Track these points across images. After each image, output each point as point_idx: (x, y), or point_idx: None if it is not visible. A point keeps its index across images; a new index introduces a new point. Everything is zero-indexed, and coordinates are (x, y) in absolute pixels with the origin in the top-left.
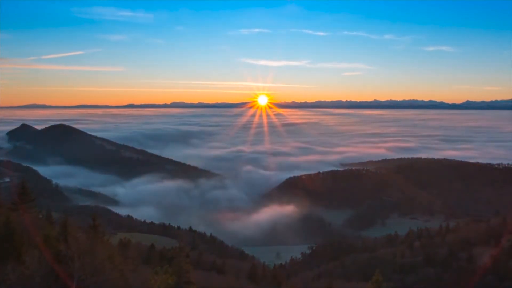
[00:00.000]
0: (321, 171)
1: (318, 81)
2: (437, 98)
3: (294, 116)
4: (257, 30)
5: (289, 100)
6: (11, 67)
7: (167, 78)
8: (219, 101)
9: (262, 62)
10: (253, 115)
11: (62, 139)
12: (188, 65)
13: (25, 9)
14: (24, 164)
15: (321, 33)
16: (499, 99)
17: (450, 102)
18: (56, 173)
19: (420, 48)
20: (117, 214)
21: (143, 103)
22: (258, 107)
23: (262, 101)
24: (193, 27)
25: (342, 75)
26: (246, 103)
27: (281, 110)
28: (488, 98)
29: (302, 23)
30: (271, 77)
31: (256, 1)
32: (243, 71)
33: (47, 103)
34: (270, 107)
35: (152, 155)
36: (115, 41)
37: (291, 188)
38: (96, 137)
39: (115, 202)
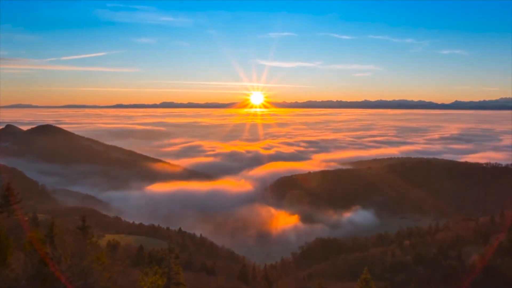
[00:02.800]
0: (311, 171)
1: (323, 81)
2: (427, 98)
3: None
4: (286, 33)
5: (280, 100)
6: (19, 68)
7: (174, 79)
8: (210, 101)
9: (275, 64)
10: (237, 115)
11: (49, 139)
12: (198, 66)
13: (66, 12)
14: (10, 166)
15: (347, 37)
16: (487, 99)
17: (439, 102)
18: (43, 174)
19: (436, 51)
20: (105, 216)
21: (132, 103)
22: (250, 106)
23: (253, 101)
24: (224, 31)
25: (351, 76)
26: (235, 103)
27: (271, 110)
28: (476, 98)
29: (331, 28)
30: (275, 77)
31: (297, 6)
32: (249, 72)
33: (34, 103)
34: (259, 107)
35: (141, 155)
36: (142, 43)
37: (281, 188)
38: (83, 138)
39: (103, 204)
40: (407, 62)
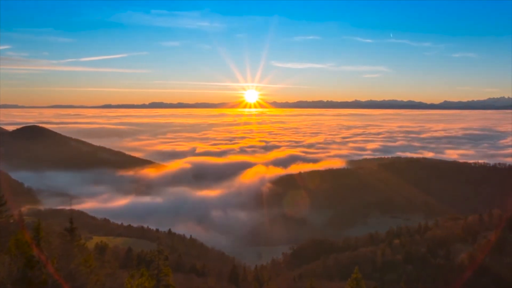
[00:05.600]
0: (302, 171)
1: (328, 82)
2: (417, 98)
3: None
4: (311, 37)
5: (275, 100)
6: (24, 68)
7: (180, 79)
8: (200, 101)
9: (289, 65)
10: (223, 115)
11: (34, 140)
12: (206, 68)
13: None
14: None
15: (369, 40)
16: (475, 99)
17: (428, 102)
18: (29, 175)
19: (448, 55)
20: (93, 218)
21: (121, 103)
22: (242, 106)
23: (245, 101)
24: (252, 35)
25: (360, 77)
26: (226, 103)
27: (260, 111)
28: (465, 98)
29: (355, 32)
30: (279, 79)
31: (325, 11)
32: (254, 73)
33: (20, 104)
34: (248, 107)
35: (130, 157)
36: (166, 46)
37: (272, 188)
38: (71, 139)
39: (91, 205)
40: (417, 64)
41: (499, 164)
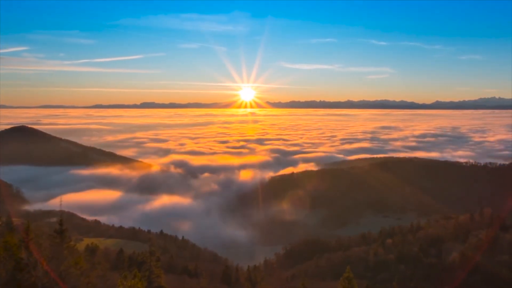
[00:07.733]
0: (295, 172)
1: (328, 83)
2: (409, 98)
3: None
4: (327, 39)
5: (265, 100)
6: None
7: (183, 80)
8: (191, 101)
9: (297, 66)
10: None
11: (23, 141)
12: (214, 69)
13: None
14: None
15: (383, 43)
16: (466, 99)
17: (420, 102)
18: (18, 177)
19: (455, 57)
20: (83, 219)
21: (112, 103)
22: (238, 106)
23: (238, 100)
24: (269, 37)
25: (363, 78)
26: (218, 103)
27: (251, 112)
28: (456, 98)
29: (371, 34)
30: (283, 79)
31: (345, 16)
32: (259, 74)
33: (8, 104)
34: (239, 108)
35: (121, 157)
36: (184, 48)
37: (264, 188)
38: (61, 139)
39: (82, 206)
40: (420, 66)
41: (490, 163)
